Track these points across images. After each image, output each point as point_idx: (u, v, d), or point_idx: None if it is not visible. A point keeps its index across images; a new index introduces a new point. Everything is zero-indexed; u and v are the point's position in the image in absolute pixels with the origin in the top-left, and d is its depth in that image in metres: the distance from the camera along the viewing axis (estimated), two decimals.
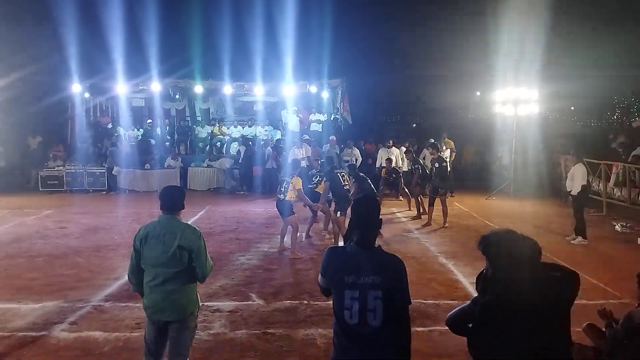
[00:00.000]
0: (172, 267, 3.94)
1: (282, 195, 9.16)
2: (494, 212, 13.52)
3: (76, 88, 18.38)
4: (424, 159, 16.27)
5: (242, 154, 17.25)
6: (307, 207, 10.25)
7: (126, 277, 4.45)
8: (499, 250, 2.69)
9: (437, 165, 11.93)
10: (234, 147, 18.62)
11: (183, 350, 4.05)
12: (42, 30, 19.42)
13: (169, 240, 3.93)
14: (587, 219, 10.50)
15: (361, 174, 10.96)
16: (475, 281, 2.84)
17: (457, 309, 2.94)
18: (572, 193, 10.22)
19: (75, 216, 12.66)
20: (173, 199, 4.12)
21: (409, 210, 13.54)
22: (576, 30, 23.16)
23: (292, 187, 9.05)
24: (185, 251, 3.94)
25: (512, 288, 2.61)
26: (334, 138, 17.88)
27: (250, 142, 17.93)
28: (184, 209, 4.17)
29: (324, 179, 9.94)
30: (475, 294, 2.89)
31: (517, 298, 2.60)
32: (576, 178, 10.09)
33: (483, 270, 2.79)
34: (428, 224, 11.79)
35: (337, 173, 9.95)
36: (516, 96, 15.78)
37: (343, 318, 2.92)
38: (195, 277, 4.05)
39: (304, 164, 15.18)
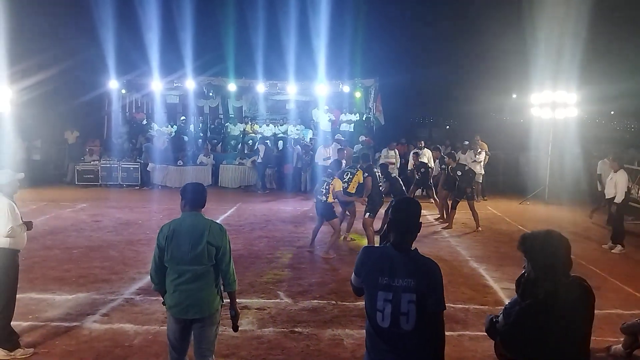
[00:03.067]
0: (199, 264, 3.92)
1: (323, 197, 8.80)
2: (527, 217, 13.23)
3: (113, 84, 18.74)
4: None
5: (261, 153, 16.87)
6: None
7: None
8: (541, 253, 2.63)
9: (459, 173, 11.52)
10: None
11: (209, 346, 4.06)
12: (80, 26, 19.84)
13: (196, 237, 3.91)
14: (626, 227, 10.20)
15: (393, 174, 10.81)
16: (515, 284, 2.77)
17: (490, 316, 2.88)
18: (615, 200, 9.86)
19: (110, 210, 12.90)
20: (201, 196, 4.12)
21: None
22: (616, 30, 22.53)
23: (332, 188, 8.74)
24: (213, 247, 3.93)
25: (553, 292, 2.56)
26: (368, 139, 17.71)
27: (279, 141, 17.97)
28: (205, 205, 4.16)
29: (365, 174, 9.41)
30: (506, 300, 2.84)
31: (556, 302, 2.55)
32: (619, 184, 9.77)
33: (524, 273, 2.72)
34: (448, 226, 11.59)
35: (375, 171, 9.71)
36: (554, 99, 15.38)
37: (375, 320, 2.87)
38: (219, 274, 4.03)
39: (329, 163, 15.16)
